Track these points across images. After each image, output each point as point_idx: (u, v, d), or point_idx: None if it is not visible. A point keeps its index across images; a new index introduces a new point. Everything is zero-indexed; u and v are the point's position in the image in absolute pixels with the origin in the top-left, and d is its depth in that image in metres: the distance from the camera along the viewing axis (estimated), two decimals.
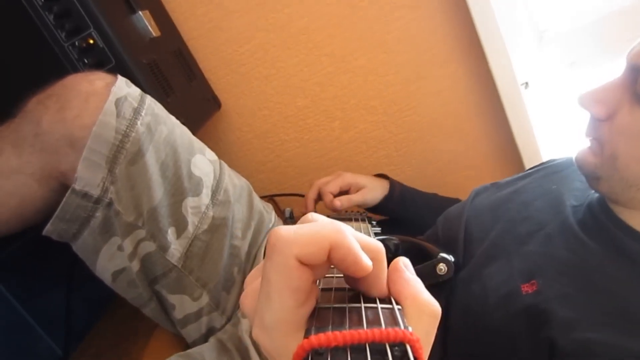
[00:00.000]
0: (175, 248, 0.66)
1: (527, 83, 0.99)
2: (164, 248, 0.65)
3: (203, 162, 0.70)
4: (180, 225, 0.66)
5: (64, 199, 0.59)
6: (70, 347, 0.71)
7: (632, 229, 0.52)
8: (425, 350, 0.25)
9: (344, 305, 0.25)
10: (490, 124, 1.06)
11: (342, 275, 0.28)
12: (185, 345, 0.72)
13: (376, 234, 0.70)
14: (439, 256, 0.62)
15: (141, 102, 0.63)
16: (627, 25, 0.94)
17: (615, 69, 0.53)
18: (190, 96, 0.93)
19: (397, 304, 0.25)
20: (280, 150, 1.13)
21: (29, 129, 0.59)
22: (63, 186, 0.60)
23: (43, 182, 0.59)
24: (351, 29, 1.01)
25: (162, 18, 0.95)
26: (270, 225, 0.81)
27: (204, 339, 0.70)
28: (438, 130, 1.09)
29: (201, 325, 0.70)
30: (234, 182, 0.76)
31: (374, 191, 0.87)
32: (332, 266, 0.24)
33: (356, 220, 0.78)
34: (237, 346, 0.66)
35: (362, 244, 0.24)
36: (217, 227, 0.69)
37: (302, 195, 1.03)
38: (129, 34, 0.76)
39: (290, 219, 0.88)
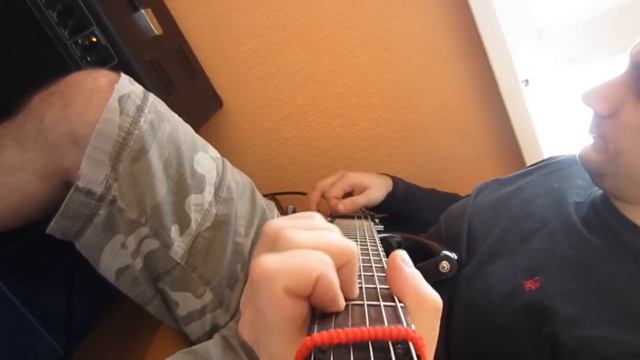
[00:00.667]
0: (179, 245, 0.66)
1: (527, 80, 0.99)
2: (167, 245, 0.65)
3: (206, 159, 0.70)
4: (183, 222, 0.66)
5: (68, 197, 0.58)
6: (71, 346, 0.71)
7: (635, 225, 0.52)
8: (431, 345, 0.25)
9: (347, 302, 0.25)
10: (491, 121, 1.06)
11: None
12: (189, 342, 0.72)
13: (379, 232, 0.70)
14: (441, 254, 0.62)
15: (144, 99, 0.63)
16: (627, 22, 0.94)
17: (615, 66, 0.53)
18: (192, 94, 0.93)
19: (399, 301, 0.25)
20: (282, 148, 1.13)
21: (32, 126, 0.59)
22: (65, 183, 0.60)
23: (45, 179, 0.59)
24: (352, 27, 1.01)
25: (164, 16, 0.95)
26: None
27: (208, 336, 0.70)
28: (439, 127, 1.09)
29: (205, 323, 0.70)
30: (237, 179, 0.76)
31: (378, 190, 0.86)
32: None
33: (359, 218, 0.78)
34: (241, 343, 0.66)
35: (335, 249, 0.24)
36: (220, 224, 0.69)
37: (304, 194, 1.03)
38: (131, 32, 0.76)
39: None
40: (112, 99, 0.59)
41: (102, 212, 0.61)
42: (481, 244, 0.62)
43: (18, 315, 0.66)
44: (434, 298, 0.25)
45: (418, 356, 0.21)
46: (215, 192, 0.69)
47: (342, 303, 0.23)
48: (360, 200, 0.84)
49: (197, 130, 0.74)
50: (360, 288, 0.27)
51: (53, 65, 0.72)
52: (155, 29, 0.82)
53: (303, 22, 1.01)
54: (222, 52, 1.04)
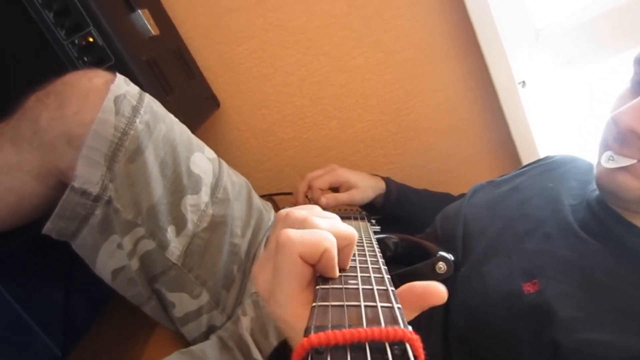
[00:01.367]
0: (175, 246, 0.66)
1: (524, 81, 0.99)
2: (163, 246, 0.65)
3: (202, 160, 0.70)
4: (179, 223, 0.66)
5: (63, 197, 0.58)
6: (68, 346, 0.71)
7: (632, 225, 0.52)
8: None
9: (344, 303, 0.25)
10: (488, 122, 1.07)
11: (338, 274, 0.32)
12: (185, 343, 0.72)
13: (375, 233, 0.70)
14: (438, 255, 0.62)
15: (140, 100, 0.63)
16: (624, 23, 0.95)
17: (612, 67, 0.51)
18: (189, 95, 0.93)
19: (397, 302, 0.25)
20: (279, 150, 1.13)
21: (27, 126, 0.58)
22: (61, 184, 0.60)
23: (41, 180, 0.59)
24: (349, 28, 1.01)
25: (161, 17, 0.95)
26: (270, 223, 0.81)
27: (205, 337, 0.70)
28: (436, 128, 1.09)
29: (201, 324, 0.70)
30: (233, 180, 0.76)
31: (365, 192, 0.85)
32: None
33: (355, 219, 0.78)
34: (238, 344, 0.66)
35: (344, 233, 0.32)
36: (217, 225, 0.69)
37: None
38: (128, 32, 0.76)
39: None
40: (108, 100, 0.59)
41: (98, 212, 0.61)
42: (476, 244, 0.62)
43: (15, 315, 0.66)
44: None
45: (415, 357, 0.21)
46: (211, 193, 0.69)
47: (337, 272, 0.31)
48: (342, 198, 0.83)
49: (193, 131, 0.74)
50: (357, 289, 0.28)
51: (50, 66, 0.72)
52: (152, 29, 0.82)
53: (300, 23, 1.01)
54: (219, 53, 1.04)
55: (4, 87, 0.71)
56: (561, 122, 1.05)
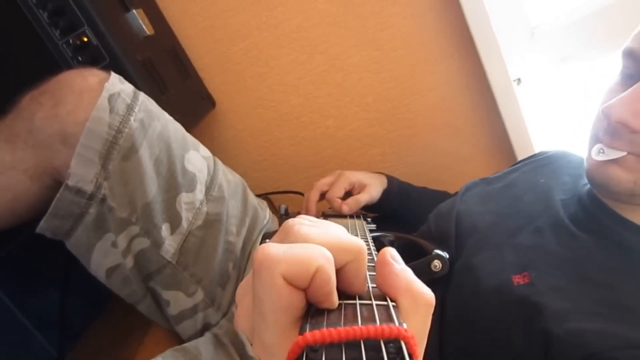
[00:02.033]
0: (170, 244, 0.66)
1: (519, 79, 1.00)
2: (158, 244, 0.65)
3: (197, 158, 0.70)
4: (174, 221, 0.66)
5: (57, 195, 0.59)
6: (64, 347, 0.71)
7: (624, 219, 0.52)
8: (423, 341, 0.25)
9: (339, 301, 0.25)
10: (484, 119, 1.07)
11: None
12: (180, 342, 0.72)
13: (371, 231, 0.70)
14: (433, 252, 0.62)
15: (134, 98, 0.63)
16: (619, 20, 0.95)
17: (607, 64, 0.52)
18: (185, 94, 0.93)
19: (391, 299, 0.25)
20: (275, 149, 1.13)
21: (22, 126, 0.59)
22: (56, 182, 0.60)
23: (36, 179, 0.60)
24: (345, 27, 1.01)
25: (156, 16, 0.95)
26: (265, 222, 0.81)
27: (200, 335, 0.70)
28: (432, 126, 1.09)
29: (196, 322, 0.70)
30: (228, 178, 0.76)
31: (376, 187, 0.84)
32: None
33: (351, 217, 0.78)
34: (233, 341, 0.66)
35: (344, 245, 0.25)
36: (212, 222, 0.70)
37: (297, 193, 1.03)
38: (123, 32, 0.77)
39: (285, 216, 0.88)
40: (102, 98, 0.59)
41: (93, 210, 0.61)
42: (468, 239, 0.63)
43: (11, 316, 0.66)
44: (427, 293, 0.25)
45: (410, 355, 0.21)
46: (206, 191, 0.70)
47: (336, 300, 0.24)
48: (362, 198, 0.81)
49: (189, 131, 0.74)
50: None
51: (44, 65, 0.72)
52: (147, 29, 0.82)
53: (296, 22, 1.01)
54: (214, 52, 1.04)
55: None
56: (556, 119, 1.05)
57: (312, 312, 0.24)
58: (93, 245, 0.63)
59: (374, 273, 0.29)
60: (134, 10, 0.81)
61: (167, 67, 0.89)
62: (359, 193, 0.81)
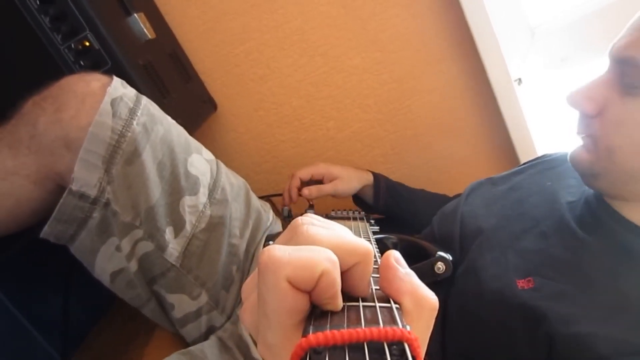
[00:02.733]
0: (173, 247, 0.66)
1: (520, 79, 1.00)
2: (162, 247, 0.65)
3: (200, 161, 0.70)
4: (177, 224, 0.66)
5: (61, 200, 0.59)
6: (68, 351, 0.71)
7: (630, 223, 0.52)
8: (424, 343, 0.25)
9: (343, 303, 0.24)
10: (485, 120, 1.07)
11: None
12: (185, 345, 0.72)
13: (375, 233, 0.71)
14: (436, 255, 0.62)
15: (137, 102, 0.63)
16: (619, 20, 0.95)
17: (601, 65, 0.54)
18: (186, 98, 0.93)
19: (395, 302, 0.25)
20: (277, 151, 1.13)
21: (25, 131, 0.59)
22: (60, 187, 0.60)
23: (39, 184, 0.60)
24: (345, 29, 1.02)
25: (157, 20, 0.95)
26: (268, 224, 0.81)
27: (204, 338, 0.70)
28: (433, 127, 1.09)
29: (201, 325, 0.70)
30: (231, 181, 0.76)
31: (349, 182, 0.87)
32: None
33: (354, 219, 0.79)
34: (237, 344, 0.66)
35: (351, 247, 0.24)
36: (215, 225, 0.70)
37: (300, 195, 1.03)
38: (124, 36, 0.77)
39: (289, 218, 0.88)
40: (105, 102, 0.59)
41: (96, 215, 0.61)
42: (473, 242, 0.63)
43: (14, 320, 0.66)
44: (431, 297, 0.25)
45: (413, 357, 0.21)
46: (209, 194, 0.70)
47: (340, 303, 0.23)
48: (326, 188, 0.85)
49: (191, 134, 0.74)
50: None
51: (46, 70, 0.72)
52: (149, 32, 0.82)
53: (296, 24, 1.01)
54: (215, 55, 1.04)
55: (1, 91, 0.72)
56: (557, 119, 1.05)
57: (316, 313, 0.24)
58: (97, 250, 0.63)
59: (377, 275, 0.29)
60: (135, 14, 0.81)
61: (169, 71, 0.89)
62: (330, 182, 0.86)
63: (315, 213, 0.83)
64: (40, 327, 0.69)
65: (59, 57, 0.71)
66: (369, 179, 0.89)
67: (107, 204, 0.61)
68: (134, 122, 0.61)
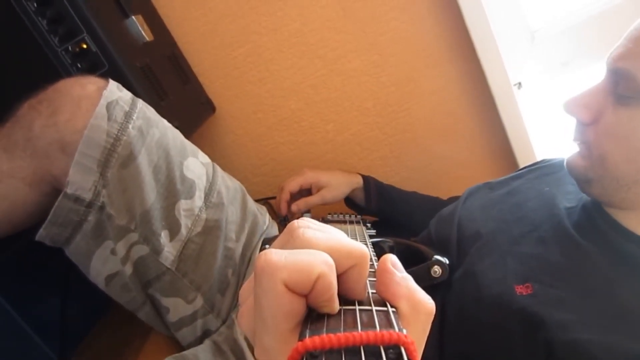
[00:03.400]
0: (169, 251, 0.66)
1: (519, 83, 1.00)
2: (157, 251, 0.65)
3: (196, 164, 0.70)
4: (173, 228, 0.66)
5: (56, 203, 0.59)
6: (65, 353, 0.71)
7: (627, 230, 0.52)
8: (420, 347, 0.25)
9: (339, 307, 0.24)
10: (484, 124, 1.07)
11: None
12: (180, 348, 0.72)
13: (371, 237, 0.70)
14: (433, 258, 0.62)
15: (133, 105, 0.63)
16: (620, 24, 0.94)
17: (600, 72, 0.55)
18: (184, 100, 0.93)
19: (391, 305, 0.25)
20: (275, 153, 1.13)
21: (20, 134, 0.59)
22: (55, 190, 0.60)
23: (35, 186, 0.60)
24: (344, 32, 1.01)
25: (155, 22, 0.95)
26: (265, 227, 0.81)
27: (199, 341, 0.70)
28: (432, 131, 1.09)
29: (196, 328, 0.70)
30: (227, 184, 0.76)
31: (337, 188, 0.88)
32: None
33: (351, 222, 0.78)
34: (232, 348, 0.65)
35: (347, 250, 0.24)
36: (211, 229, 0.69)
37: (298, 198, 1.03)
38: (122, 38, 0.77)
39: (285, 221, 0.88)
40: (100, 106, 0.59)
41: (91, 218, 0.61)
42: (471, 246, 0.62)
43: (12, 322, 0.66)
44: (428, 302, 0.25)
45: None
46: (205, 197, 0.70)
47: (336, 306, 0.24)
48: (313, 200, 0.86)
49: (189, 136, 0.74)
50: None
51: (44, 73, 0.72)
52: (146, 35, 0.82)
53: (295, 27, 1.01)
54: (214, 57, 1.04)
55: None
56: (557, 123, 1.05)
57: (312, 317, 0.24)
58: (92, 253, 0.63)
59: (373, 279, 0.29)
60: (133, 17, 0.81)
61: (167, 73, 0.89)
62: (318, 192, 0.87)
63: (312, 217, 0.84)
64: (38, 329, 0.69)
65: (56, 60, 0.71)
66: (359, 182, 0.90)
67: (102, 208, 0.61)
68: (130, 126, 0.61)
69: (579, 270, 0.51)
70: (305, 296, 0.23)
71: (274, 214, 0.95)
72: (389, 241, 0.72)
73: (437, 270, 0.62)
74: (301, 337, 0.21)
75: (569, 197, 0.61)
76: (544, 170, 0.72)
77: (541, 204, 0.62)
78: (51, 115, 0.58)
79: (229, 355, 0.65)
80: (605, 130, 0.51)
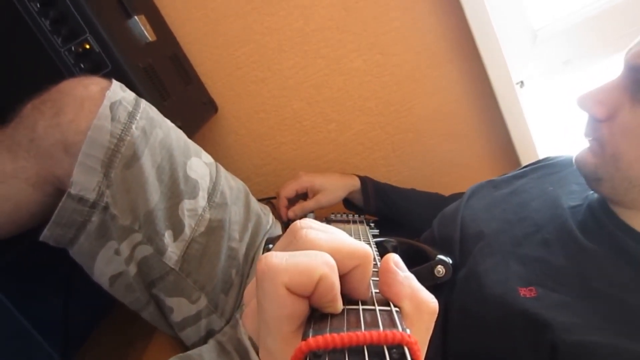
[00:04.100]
0: (172, 251, 0.66)
1: (522, 82, 0.99)
2: (160, 251, 0.65)
3: (199, 164, 0.70)
4: (177, 228, 0.66)
5: (60, 204, 0.59)
6: (68, 353, 0.71)
7: (633, 230, 0.52)
8: (424, 347, 0.25)
9: (342, 306, 0.25)
10: (487, 123, 1.06)
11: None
12: (184, 348, 0.72)
13: (374, 236, 0.70)
14: (436, 258, 0.62)
15: (136, 106, 0.63)
16: (621, 22, 0.94)
17: (610, 67, 0.53)
18: (187, 100, 0.93)
19: (395, 305, 0.25)
20: (278, 153, 1.13)
21: (24, 134, 0.59)
22: (59, 191, 0.60)
23: (38, 187, 0.60)
24: (346, 31, 1.01)
25: (158, 23, 0.95)
26: (268, 227, 0.81)
27: (203, 341, 0.70)
28: (435, 130, 1.09)
29: (200, 328, 0.70)
30: (231, 184, 0.76)
31: (334, 192, 0.87)
32: None
33: (354, 222, 0.78)
34: (236, 347, 0.65)
35: (350, 250, 0.24)
36: (214, 229, 0.69)
37: (301, 197, 1.03)
38: (125, 38, 0.77)
39: (289, 221, 0.88)
40: (104, 106, 0.59)
41: (95, 219, 0.61)
42: (474, 246, 0.62)
43: (15, 322, 0.66)
44: (431, 301, 0.25)
45: None
46: (208, 198, 0.70)
47: (340, 306, 0.24)
48: (308, 205, 0.86)
49: (192, 136, 0.74)
50: None
51: (47, 73, 0.72)
52: (149, 35, 0.82)
53: (297, 26, 1.01)
54: (216, 57, 1.04)
55: (1, 94, 0.72)
56: (559, 122, 1.05)
57: (316, 316, 0.24)
58: (96, 253, 0.63)
59: (377, 279, 0.29)
60: (136, 17, 0.81)
61: (169, 73, 0.89)
62: (314, 196, 0.87)
63: (315, 216, 0.84)
64: (41, 329, 0.69)
65: (59, 60, 0.71)
66: (356, 184, 0.89)
67: (105, 208, 0.61)
68: (133, 126, 0.61)
69: (584, 273, 0.51)
70: (308, 297, 0.23)
71: (277, 213, 0.95)
72: (392, 241, 0.72)
73: (440, 270, 0.62)
74: (304, 337, 0.21)
75: (573, 197, 0.61)
76: (547, 169, 0.71)
77: (545, 204, 0.62)
78: (54, 116, 0.58)
79: (233, 355, 0.65)
80: (620, 128, 0.50)
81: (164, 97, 0.81)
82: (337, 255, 0.24)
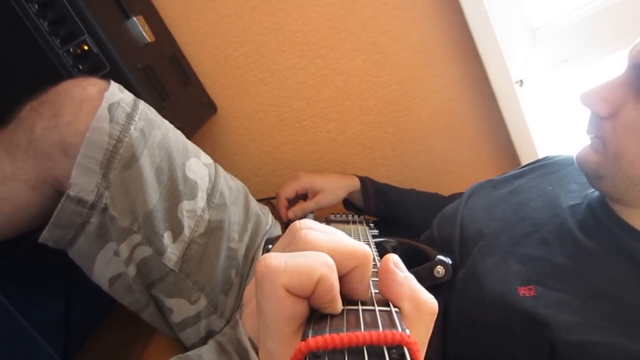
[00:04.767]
0: (172, 252, 0.66)
1: (521, 81, 0.99)
2: (160, 252, 0.65)
3: (198, 165, 0.70)
4: (176, 229, 0.66)
5: (59, 205, 0.59)
6: (69, 354, 0.71)
7: (633, 229, 0.52)
8: (423, 348, 0.25)
9: (342, 307, 0.25)
10: (486, 122, 1.06)
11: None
12: (184, 349, 0.72)
13: (374, 237, 0.70)
14: (436, 258, 0.62)
15: (134, 107, 0.63)
16: (620, 21, 0.94)
17: (610, 66, 0.53)
18: (186, 100, 0.93)
19: (394, 305, 0.25)
20: (277, 153, 1.13)
21: (22, 136, 0.59)
22: (57, 192, 0.60)
23: (37, 189, 0.60)
24: (345, 31, 1.01)
25: (157, 23, 0.95)
26: (268, 227, 0.81)
27: (203, 342, 0.70)
28: (434, 130, 1.09)
29: (200, 329, 0.70)
30: (230, 184, 0.76)
31: (333, 193, 0.87)
32: None
33: (354, 223, 0.78)
34: (236, 348, 0.65)
35: (350, 251, 0.24)
36: (214, 230, 0.69)
37: (300, 198, 1.03)
38: (123, 39, 0.77)
39: (288, 221, 0.88)
40: (102, 108, 0.59)
41: (94, 220, 0.61)
42: (473, 246, 0.62)
43: (15, 324, 0.66)
44: (430, 302, 0.25)
45: None
46: (207, 198, 0.70)
47: (339, 306, 0.24)
48: (308, 205, 0.86)
49: (191, 137, 0.74)
50: None
51: (45, 75, 0.72)
52: (148, 36, 0.82)
53: (296, 26, 1.01)
54: (215, 58, 1.04)
55: None
56: (559, 121, 1.05)
57: (315, 317, 0.24)
58: (95, 255, 0.63)
59: (376, 279, 0.29)
60: (134, 18, 0.81)
61: (168, 74, 0.89)
62: (313, 197, 0.87)
63: (315, 217, 0.84)
64: (41, 330, 0.69)
65: (57, 61, 0.71)
66: (355, 185, 0.89)
67: (104, 209, 0.61)
68: (132, 127, 0.61)
69: (584, 272, 0.51)
70: (307, 298, 0.23)
71: (276, 213, 0.95)
72: (392, 241, 0.72)
73: (440, 270, 0.62)
74: (304, 338, 0.21)
75: (573, 196, 0.61)
76: (547, 168, 0.71)
77: (544, 203, 0.62)
78: (53, 117, 0.58)
79: (233, 355, 0.65)
80: (624, 125, 0.50)
81: (163, 97, 0.81)
82: (336, 255, 0.24)
